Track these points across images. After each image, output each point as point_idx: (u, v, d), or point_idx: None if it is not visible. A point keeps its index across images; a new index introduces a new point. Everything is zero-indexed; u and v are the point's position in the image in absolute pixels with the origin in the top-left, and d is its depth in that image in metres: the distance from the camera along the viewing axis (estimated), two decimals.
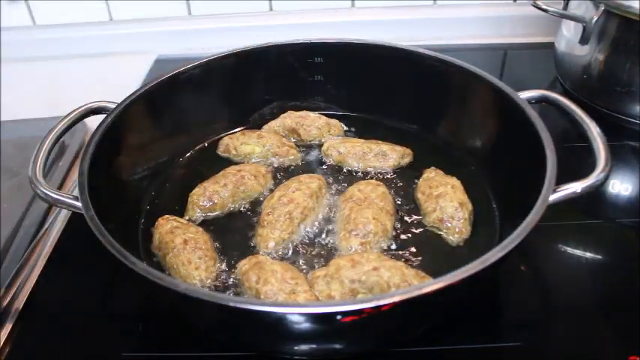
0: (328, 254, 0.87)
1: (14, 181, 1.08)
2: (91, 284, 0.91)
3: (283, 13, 1.57)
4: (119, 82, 1.36)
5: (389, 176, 1.02)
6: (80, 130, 1.22)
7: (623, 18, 1.08)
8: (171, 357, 0.80)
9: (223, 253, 0.88)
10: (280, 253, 0.87)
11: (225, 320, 0.71)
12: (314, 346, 0.74)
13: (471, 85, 1.01)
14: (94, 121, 0.93)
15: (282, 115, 1.13)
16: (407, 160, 1.04)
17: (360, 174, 1.03)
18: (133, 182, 0.98)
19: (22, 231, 0.99)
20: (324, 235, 0.90)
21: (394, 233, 0.90)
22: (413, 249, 0.87)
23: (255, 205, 0.96)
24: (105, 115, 0.93)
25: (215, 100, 1.12)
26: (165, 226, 0.88)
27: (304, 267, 0.85)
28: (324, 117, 1.13)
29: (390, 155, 1.03)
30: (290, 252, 0.88)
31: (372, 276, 0.76)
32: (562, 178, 0.76)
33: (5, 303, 0.85)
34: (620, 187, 1.06)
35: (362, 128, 1.14)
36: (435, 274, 0.81)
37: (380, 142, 1.06)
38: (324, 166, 1.05)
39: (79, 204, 0.76)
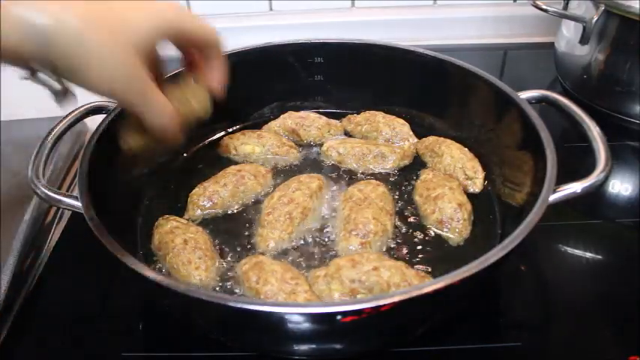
0: (328, 254, 0.87)
1: (14, 181, 1.08)
2: (91, 284, 0.91)
3: (283, 13, 1.57)
4: None
5: (389, 176, 1.02)
6: (80, 130, 1.22)
7: (623, 18, 1.09)
8: (171, 357, 0.80)
9: (223, 253, 0.88)
10: (280, 253, 0.87)
11: (225, 320, 0.71)
12: (314, 346, 0.74)
13: (471, 85, 1.00)
14: (94, 121, 0.93)
15: (282, 115, 1.13)
16: (406, 161, 1.04)
17: (359, 174, 1.03)
18: (132, 182, 0.97)
19: (22, 231, 0.98)
20: (324, 236, 0.90)
21: (394, 233, 0.90)
22: (413, 249, 0.87)
23: (255, 205, 0.96)
24: (105, 115, 0.93)
25: (215, 100, 1.11)
26: (165, 226, 0.88)
27: (304, 267, 0.85)
28: (324, 117, 1.13)
29: (390, 157, 1.03)
30: (290, 252, 0.87)
31: (372, 276, 0.76)
32: (562, 178, 0.76)
33: (5, 303, 0.85)
34: (620, 187, 1.06)
35: None
36: (435, 274, 0.81)
37: (379, 143, 1.06)
38: (324, 166, 1.05)
39: (79, 204, 0.76)
